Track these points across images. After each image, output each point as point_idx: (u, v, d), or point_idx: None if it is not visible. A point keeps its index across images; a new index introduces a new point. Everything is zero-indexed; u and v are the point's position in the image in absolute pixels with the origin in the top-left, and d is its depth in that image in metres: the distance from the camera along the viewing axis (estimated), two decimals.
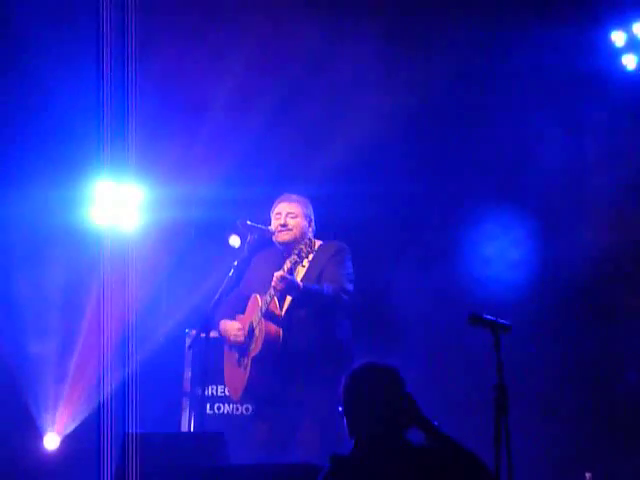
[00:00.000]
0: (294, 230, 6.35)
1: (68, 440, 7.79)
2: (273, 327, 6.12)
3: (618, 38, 7.61)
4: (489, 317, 4.52)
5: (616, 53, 7.64)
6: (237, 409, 7.29)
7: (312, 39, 7.87)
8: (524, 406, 7.05)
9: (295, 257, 5.94)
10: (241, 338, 6.31)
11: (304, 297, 6.07)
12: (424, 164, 7.93)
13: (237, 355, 6.37)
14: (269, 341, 6.10)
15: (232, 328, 6.39)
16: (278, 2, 7.80)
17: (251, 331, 6.24)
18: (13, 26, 7.51)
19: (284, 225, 6.34)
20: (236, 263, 6.42)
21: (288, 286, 6.00)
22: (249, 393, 6.29)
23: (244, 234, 6.47)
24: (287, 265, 5.99)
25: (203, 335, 6.39)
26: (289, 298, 6.18)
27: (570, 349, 7.63)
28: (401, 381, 4.07)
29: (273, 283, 5.99)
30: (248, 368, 6.23)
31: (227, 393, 6.81)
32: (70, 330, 7.74)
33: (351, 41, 7.84)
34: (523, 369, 7.13)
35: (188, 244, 8.01)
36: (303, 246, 5.93)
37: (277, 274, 5.97)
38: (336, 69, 7.92)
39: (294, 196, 6.48)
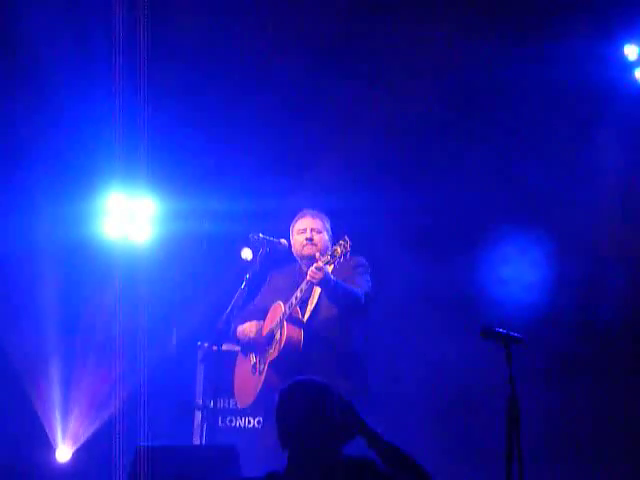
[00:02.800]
0: (319, 245, 6.38)
1: (80, 453, 7.79)
2: (295, 329, 6.14)
3: (631, 52, 7.58)
4: (501, 330, 4.52)
5: (629, 67, 7.62)
6: (249, 422, 7.28)
7: (325, 53, 7.91)
8: (538, 422, 7.05)
9: (328, 257, 5.94)
10: (254, 333, 6.33)
11: (335, 292, 6.06)
12: (440, 179, 7.91)
13: (253, 361, 6.37)
14: (290, 344, 6.11)
15: (249, 325, 6.42)
16: (290, 16, 7.82)
17: (271, 336, 6.25)
18: (27, 42, 7.54)
19: (310, 239, 6.37)
20: (248, 276, 6.44)
21: (323, 278, 5.97)
22: (260, 401, 6.29)
23: (256, 247, 6.48)
24: (322, 261, 5.98)
25: (215, 348, 6.40)
26: (312, 302, 6.20)
27: (585, 371, 7.58)
28: (333, 397, 3.98)
29: (310, 274, 5.97)
30: (264, 374, 6.23)
31: (235, 400, 6.80)
32: (83, 342, 7.76)
33: (363, 54, 7.86)
34: (538, 389, 7.14)
35: (200, 257, 8.01)
36: (338, 247, 5.92)
37: (315, 265, 5.95)
38: (349, 81, 7.94)
39: (315, 212, 6.51)
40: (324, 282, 6.02)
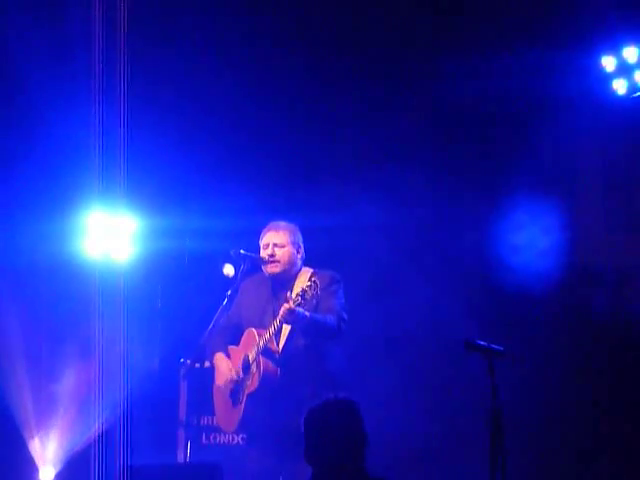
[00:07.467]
0: (281, 261, 6.37)
1: (63, 473, 7.74)
2: (271, 365, 6.15)
3: (608, 63, 7.61)
4: (482, 343, 4.54)
5: (606, 78, 7.64)
6: (233, 439, 7.26)
7: (306, 70, 7.93)
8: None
9: (299, 299, 5.94)
10: (230, 383, 6.33)
11: (308, 327, 6.08)
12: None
13: (231, 390, 6.37)
14: (266, 378, 6.12)
15: (224, 369, 6.39)
16: (273, 32, 7.85)
17: (247, 367, 6.24)
18: (7, 61, 7.53)
19: (272, 256, 6.35)
20: (229, 292, 6.44)
21: (295, 318, 6.00)
22: (243, 425, 6.31)
23: (238, 263, 6.48)
24: (293, 301, 5.98)
25: (197, 365, 6.40)
26: (285, 333, 6.19)
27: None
28: (361, 416, 4.12)
29: (280, 314, 5.99)
30: (243, 403, 6.24)
31: (218, 425, 6.80)
32: (63, 362, 7.72)
33: (345, 68, 7.89)
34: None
35: (181, 274, 8.00)
36: (308, 289, 5.93)
37: (285, 306, 5.96)
38: (330, 97, 7.96)
39: (282, 223, 6.49)
40: (296, 322, 6.04)
